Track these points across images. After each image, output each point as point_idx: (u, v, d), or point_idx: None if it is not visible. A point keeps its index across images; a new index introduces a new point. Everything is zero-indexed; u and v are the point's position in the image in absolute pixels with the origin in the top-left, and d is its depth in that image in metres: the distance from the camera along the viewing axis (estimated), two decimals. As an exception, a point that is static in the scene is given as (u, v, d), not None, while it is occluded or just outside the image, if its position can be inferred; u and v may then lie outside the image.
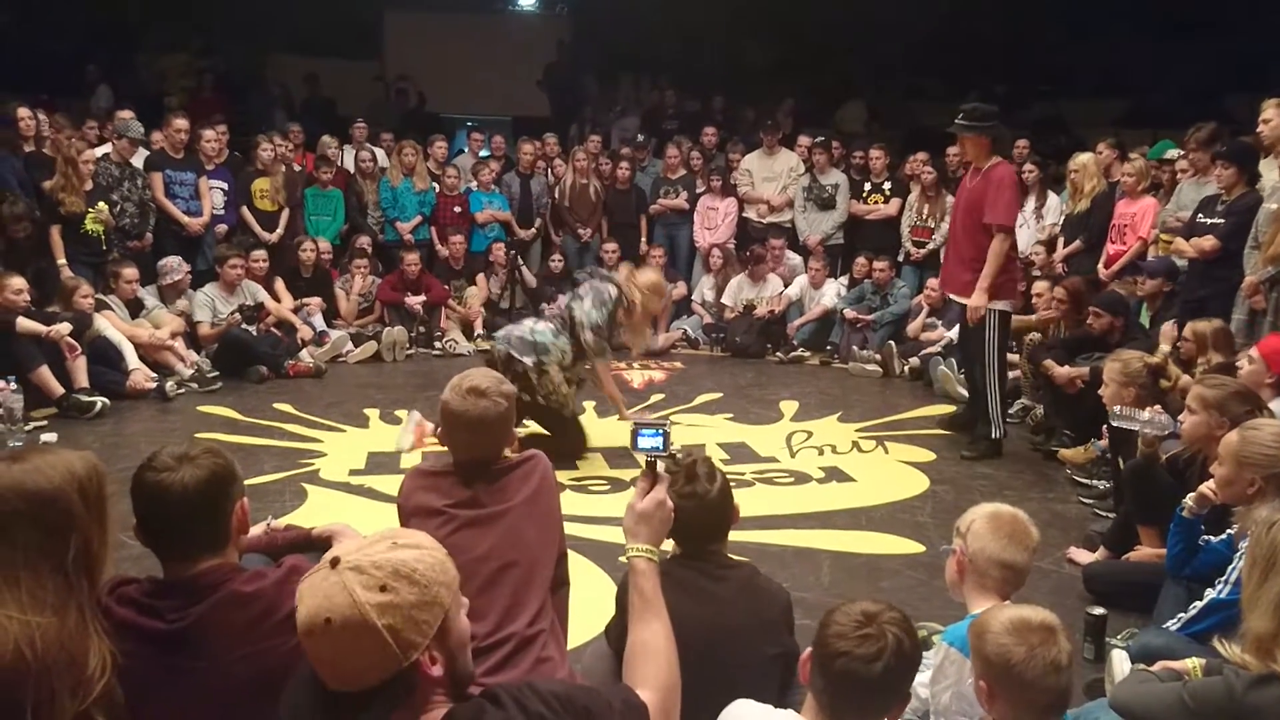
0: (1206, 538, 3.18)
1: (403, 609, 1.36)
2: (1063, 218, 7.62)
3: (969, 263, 5.51)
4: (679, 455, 2.12)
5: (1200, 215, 5.81)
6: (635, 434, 2.01)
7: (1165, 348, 4.83)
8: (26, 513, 1.66)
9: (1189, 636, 2.84)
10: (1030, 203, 7.99)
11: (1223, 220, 5.56)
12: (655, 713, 1.69)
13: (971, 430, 5.77)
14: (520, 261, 9.12)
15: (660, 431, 2.01)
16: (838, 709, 1.77)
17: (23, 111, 7.33)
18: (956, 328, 7.44)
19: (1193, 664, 2.42)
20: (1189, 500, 3.19)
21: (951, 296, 5.89)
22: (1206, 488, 3.15)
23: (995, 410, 5.57)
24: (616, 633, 2.46)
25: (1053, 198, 7.93)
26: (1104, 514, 4.60)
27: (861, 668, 1.72)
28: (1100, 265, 6.90)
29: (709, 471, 2.45)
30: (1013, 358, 6.55)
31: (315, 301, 7.97)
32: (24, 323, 5.85)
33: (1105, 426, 4.83)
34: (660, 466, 1.97)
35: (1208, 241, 5.59)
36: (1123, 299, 5.91)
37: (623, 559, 1.95)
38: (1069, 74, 12.56)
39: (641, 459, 1.97)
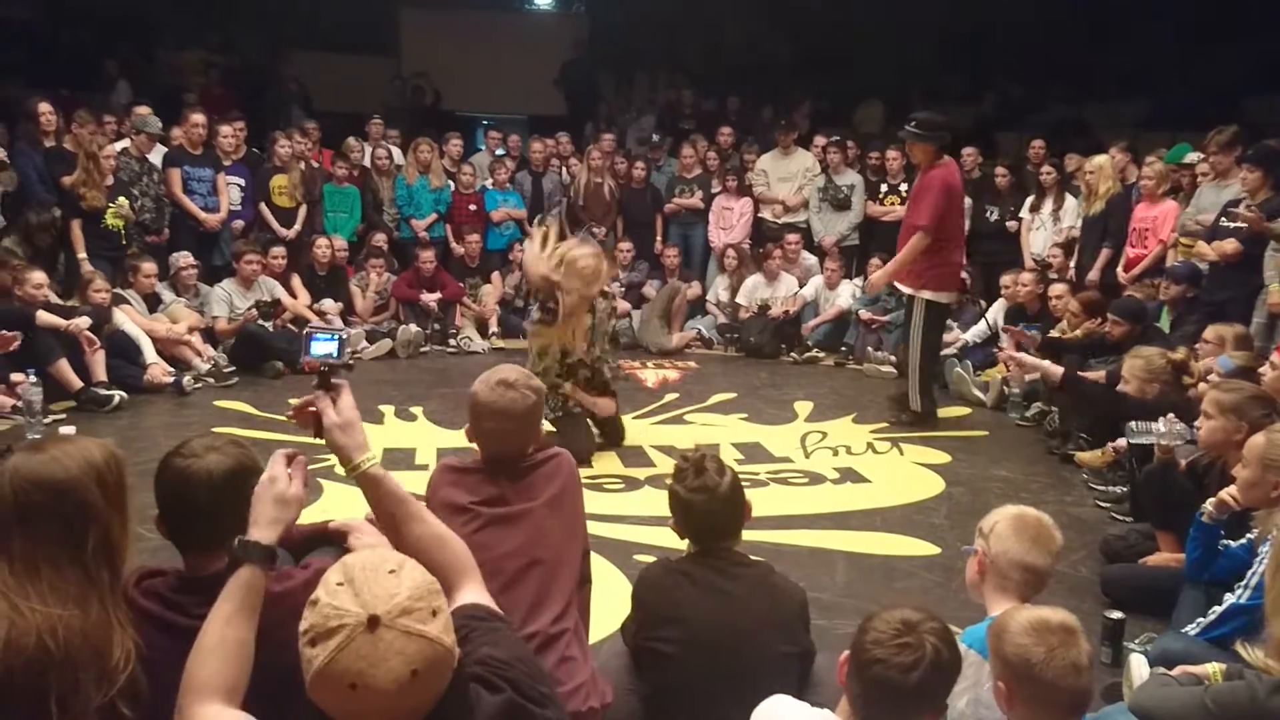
0: (1226, 542, 3.16)
1: (449, 619, 1.39)
2: (1079, 220, 7.58)
3: (919, 257, 5.97)
4: (350, 363, 1.97)
5: (1223, 219, 5.78)
6: (308, 339, 1.87)
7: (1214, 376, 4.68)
8: (44, 504, 1.67)
9: (1208, 641, 2.82)
10: (1048, 205, 7.96)
11: (1246, 224, 5.52)
12: (479, 592, 1.76)
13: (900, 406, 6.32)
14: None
15: (335, 337, 1.87)
16: (871, 714, 1.76)
17: (43, 107, 7.39)
18: (972, 329, 7.48)
19: (1213, 669, 2.40)
20: (1208, 506, 3.16)
21: (899, 287, 6.34)
22: (1226, 493, 3.12)
23: (914, 389, 6.13)
24: (632, 630, 2.46)
25: (1070, 200, 7.89)
26: (1120, 518, 4.56)
27: (897, 676, 1.71)
28: (1119, 269, 6.87)
29: (718, 466, 2.45)
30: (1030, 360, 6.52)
31: (334, 308, 7.99)
32: (44, 316, 5.89)
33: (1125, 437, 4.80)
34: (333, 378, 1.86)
35: (1229, 245, 5.56)
36: (1142, 305, 5.86)
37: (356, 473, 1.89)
38: (1090, 76, 12.49)
39: (315, 368, 1.85)
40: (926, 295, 5.99)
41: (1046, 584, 2.45)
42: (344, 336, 1.85)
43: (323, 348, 1.84)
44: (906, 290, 6.14)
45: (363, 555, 1.43)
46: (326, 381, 1.83)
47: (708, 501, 2.39)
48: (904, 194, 8.87)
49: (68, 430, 5.30)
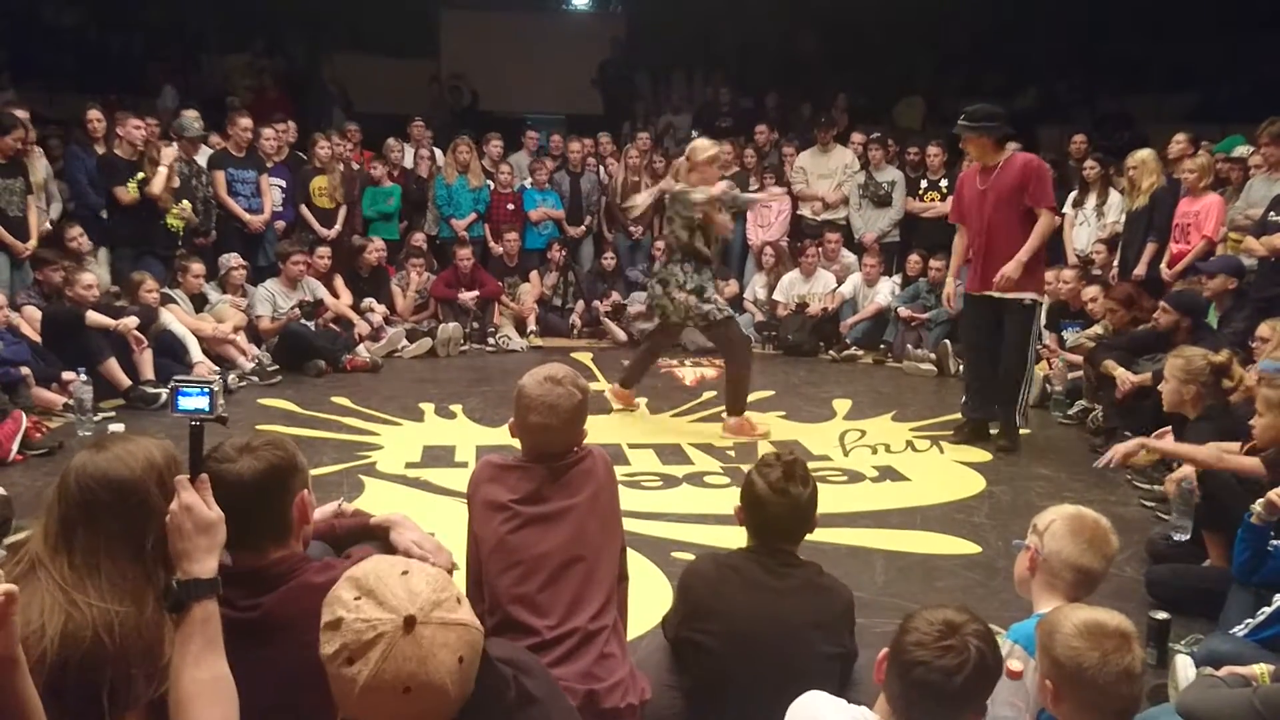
0: (1275, 543, 3.11)
1: (468, 601, 1.42)
2: (1123, 215, 7.47)
3: (1010, 255, 5.38)
4: (225, 415, 1.76)
5: (1272, 213, 5.67)
6: (175, 393, 1.73)
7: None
8: (108, 502, 1.71)
9: (1257, 643, 2.78)
10: (1091, 200, 7.84)
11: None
12: None
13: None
14: (572, 261, 9.19)
15: (206, 390, 1.72)
16: (911, 715, 1.75)
17: (92, 113, 7.54)
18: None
19: (1261, 669, 2.35)
20: (1257, 507, 3.10)
21: (993, 294, 5.58)
22: (1276, 494, 3.06)
23: (1025, 402, 5.69)
24: (675, 621, 2.46)
25: (1114, 195, 7.77)
26: (1164, 516, 4.49)
27: (940, 679, 1.68)
28: (1164, 264, 6.75)
29: (804, 475, 2.43)
30: (1075, 358, 6.45)
31: (379, 309, 8.07)
32: (93, 316, 6.02)
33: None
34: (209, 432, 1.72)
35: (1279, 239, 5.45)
36: (1196, 298, 5.74)
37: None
38: (1138, 69, 12.30)
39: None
40: (1031, 297, 5.48)
41: (1097, 587, 2.40)
42: (214, 389, 1.74)
43: (191, 402, 1.72)
44: (1010, 296, 5.45)
45: (366, 566, 1.42)
46: (199, 437, 1.72)
47: (783, 506, 2.38)
48: (944, 190, 8.80)
49: (116, 428, 5.41)
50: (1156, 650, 3.11)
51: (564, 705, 1.71)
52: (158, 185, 7.03)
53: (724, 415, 5.98)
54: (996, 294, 5.51)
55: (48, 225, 7.05)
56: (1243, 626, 2.89)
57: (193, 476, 1.69)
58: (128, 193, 7.06)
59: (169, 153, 7.18)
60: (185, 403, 1.72)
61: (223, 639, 1.65)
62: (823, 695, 1.90)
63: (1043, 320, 7.09)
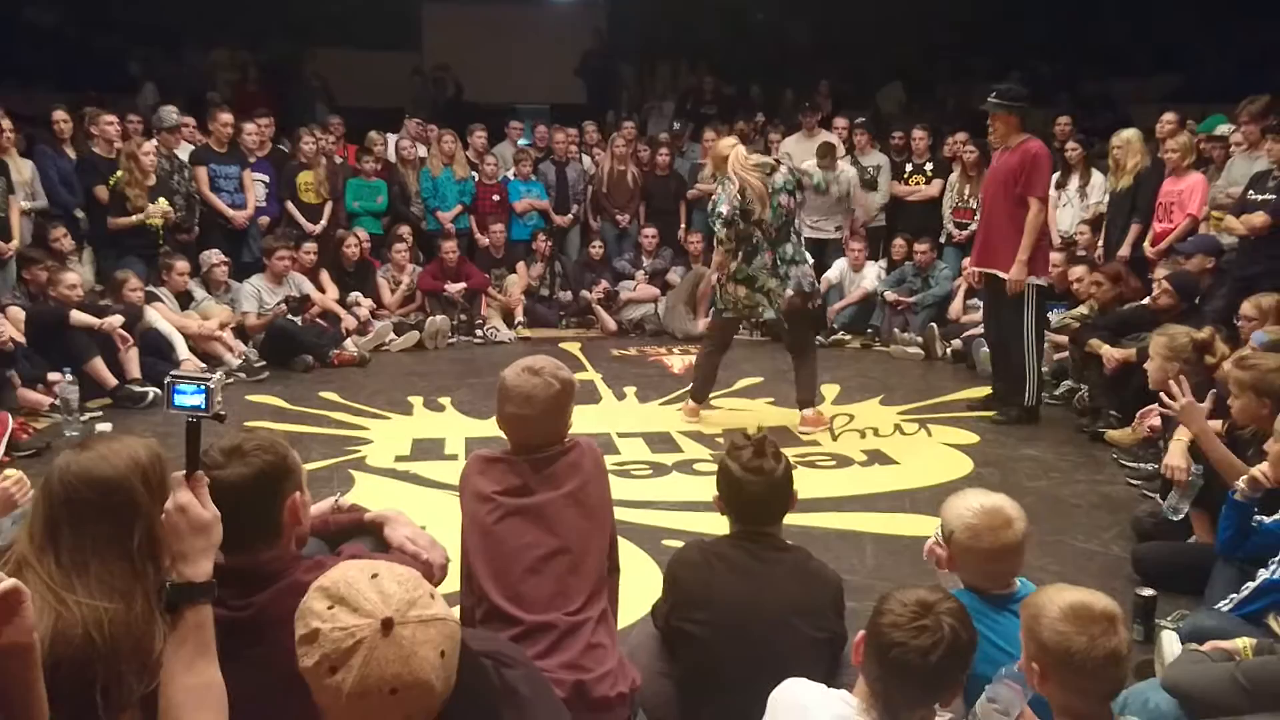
0: (1259, 518, 3.14)
1: (440, 595, 1.43)
2: (1106, 196, 7.49)
3: (1004, 237, 5.64)
4: (222, 414, 1.73)
5: (1251, 192, 5.70)
6: (171, 389, 1.71)
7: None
8: (94, 501, 1.72)
9: (1241, 617, 2.81)
10: (1074, 181, 7.86)
11: (1274, 196, 5.45)
12: None
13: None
14: (559, 250, 9.17)
15: (202, 388, 1.71)
16: (891, 695, 1.77)
17: (58, 115, 7.45)
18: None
19: (1244, 644, 2.39)
20: (1241, 483, 3.12)
21: (988, 271, 5.86)
22: (1258, 470, 3.09)
23: (1032, 382, 5.75)
24: (664, 610, 2.48)
25: (1097, 176, 7.79)
26: (1151, 494, 4.53)
27: (917, 659, 1.71)
28: (1147, 243, 6.78)
29: (775, 451, 2.44)
30: (1060, 339, 6.48)
31: (366, 303, 8.04)
32: (78, 315, 5.99)
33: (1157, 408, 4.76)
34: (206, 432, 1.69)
35: (1258, 218, 5.49)
36: (1196, 283, 5.76)
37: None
38: (1120, 52, 12.33)
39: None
40: (1033, 281, 5.62)
41: (1023, 555, 2.37)
42: (210, 386, 1.71)
43: (188, 399, 1.70)
44: (1001, 275, 5.67)
45: (334, 574, 1.41)
46: (196, 434, 1.70)
47: (759, 484, 2.39)
48: (929, 173, 8.83)
49: (104, 428, 5.40)
50: (1143, 627, 3.15)
51: (548, 696, 1.71)
52: (137, 199, 6.99)
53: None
54: (986, 270, 5.84)
55: (25, 205, 6.92)
56: (1227, 602, 2.92)
57: (189, 474, 1.66)
58: (106, 192, 7.01)
59: (148, 162, 7.11)
60: (181, 399, 1.70)
61: (222, 636, 1.64)
62: (803, 681, 1.92)
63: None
